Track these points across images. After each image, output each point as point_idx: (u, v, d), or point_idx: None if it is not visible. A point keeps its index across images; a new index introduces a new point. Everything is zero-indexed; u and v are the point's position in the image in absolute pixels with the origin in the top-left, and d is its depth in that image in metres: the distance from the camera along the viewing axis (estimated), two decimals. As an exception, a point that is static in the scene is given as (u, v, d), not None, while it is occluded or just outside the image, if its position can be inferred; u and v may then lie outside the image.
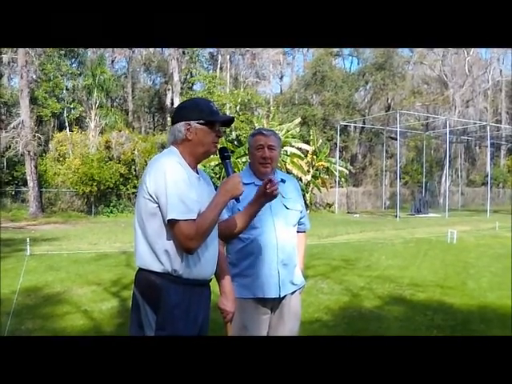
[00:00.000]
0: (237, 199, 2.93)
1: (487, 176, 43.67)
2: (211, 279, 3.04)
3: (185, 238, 2.69)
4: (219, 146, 3.04)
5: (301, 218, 3.87)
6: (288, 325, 3.74)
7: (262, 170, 3.67)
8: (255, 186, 3.61)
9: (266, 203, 3.21)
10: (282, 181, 3.78)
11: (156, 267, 2.78)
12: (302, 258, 4.00)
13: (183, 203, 2.69)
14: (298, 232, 3.87)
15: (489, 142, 41.67)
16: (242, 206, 3.52)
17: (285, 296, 3.69)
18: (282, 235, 3.62)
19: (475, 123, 46.05)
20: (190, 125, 2.88)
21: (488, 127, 41.30)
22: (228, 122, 3.11)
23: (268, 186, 3.12)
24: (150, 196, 2.74)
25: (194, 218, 2.72)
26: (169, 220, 2.69)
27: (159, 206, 2.73)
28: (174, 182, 2.70)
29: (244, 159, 33.21)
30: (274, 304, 3.70)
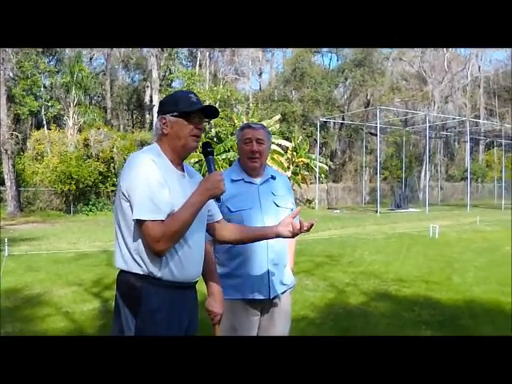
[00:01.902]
0: (217, 199, 2.79)
1: (466, 171, 44.00)
2: (197, 281, 2.92)
3: (151, 239, 2.57)
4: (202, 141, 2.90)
5: (291, 217, 3.76)
6: (279, 326, 3.62)
7: (251, 165, 3.54)
8: (245, 182, 3.52)
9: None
10: (273, 177, 3.66)
11: (135, 269, 2.66)
12: (292, 257, 3.89)
13: (152, 203, 2.56)
14: (288, 230, 3.75)
15: (468, 137, 41.97)
16: (231, 205, 3.40)
17: (275, 297, 3.57)
18: None
19: (454, 119, 46.34)
20: (165, 119, 2.77)
21: (467, 123, 41.58)
22: (208, 113, 2.90)
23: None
24: (123, 194, 2.63)
25: (163, 218, 2.58)
26: (135, 220, 2.58)
27: (131, 206, 2.61)
28: (144, 180, 2.58)
29: (224, 156, 33.15)
30: (264, 305, 3.58)
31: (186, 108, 2.77)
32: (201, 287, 2.99)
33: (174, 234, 2.60)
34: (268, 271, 3.49)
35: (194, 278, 2.86)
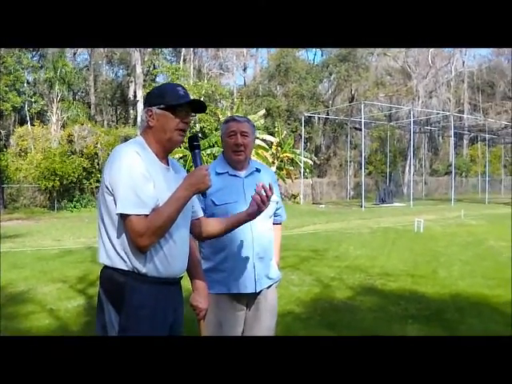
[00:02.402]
0: (203, 194, 2.72)
1: (450, 165, 44.22)
2: (182, 276, 2.88)
3: (135, 234, 2.52)
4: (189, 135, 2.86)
5: (277, 210, 3.73)
6: (264, 321, 3.58)
7: (235, 158, 3.50)
8: (229, 175, 3.48)
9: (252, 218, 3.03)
10: (257, 170, 3.63)
11: (119, 265, 2.61)
12: (278, 251, 3.86)
13: (136, 196, 2.52)
14: (273, 224, 3.72)
15: (452, 132, 42.17)
16: (216, 198, 3.36)
17: (261, 291, 3.54)
18: (258, 228, 3.44)
19: (438, 113, 46.50)
20: (151, 111, 2.71)
21: (451, 117, 41.79)
22: (195, 106, 2.85)
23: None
24: (107, 188, 2.57)
25: (147, 213, 2.53)
26: (119, 214, 2.53)
27: (114, 199, 2.56)
28: (128, 173, 2.53)
29: (208, 151, 33.08)
30: (250, 299, 3.55)
31: (172, 101, 2.71)
32: (185, 282, 2.95)
33: (158, 230, 2.55)
34: (254, 265, 3.45)
35: (178, 274, 2.82)
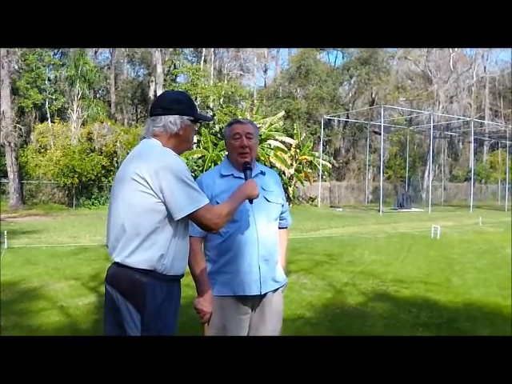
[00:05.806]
0: (250, 201, 3.11)
1: (470, 171, 43.90)
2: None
3: (209, 221, 2.76)
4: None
5: (282, 213, 3.69)
6: (270, 325, 3.55)
7: (241, 161, 3.47)
8: (234, 177, 3.48)
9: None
10: (262, 173, 3.60)
11: (143, 265, 2.69)
12: (284, 255, 3.80)
13: (197, 192, 2.73)
14: (279, 228, 3.69)
15: (472, 138, 41.88)
16: (221, 200, 3.35)
17: (266, 294, 3.50)
18: (263, 230, 3.43)
19: (459, 119, 46.23)
20: (182, 120, 2.85)
21: (471, 123, 41.42)
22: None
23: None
24: (154, 191, 2.66)
25: (208, 201, 2.78)
26: (188, 214, 2.71)
27: (163, 202, 2.67)
28: (184, 177, 2.69)
29: (227, 152, 33.01)
30: (255, 302, 3.51)
31: (201, 117, 3.03)
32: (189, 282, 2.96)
33: (227, 216, 2.84)
34: (259, 267, 3.42)
35: (185, 270, 2.95)
